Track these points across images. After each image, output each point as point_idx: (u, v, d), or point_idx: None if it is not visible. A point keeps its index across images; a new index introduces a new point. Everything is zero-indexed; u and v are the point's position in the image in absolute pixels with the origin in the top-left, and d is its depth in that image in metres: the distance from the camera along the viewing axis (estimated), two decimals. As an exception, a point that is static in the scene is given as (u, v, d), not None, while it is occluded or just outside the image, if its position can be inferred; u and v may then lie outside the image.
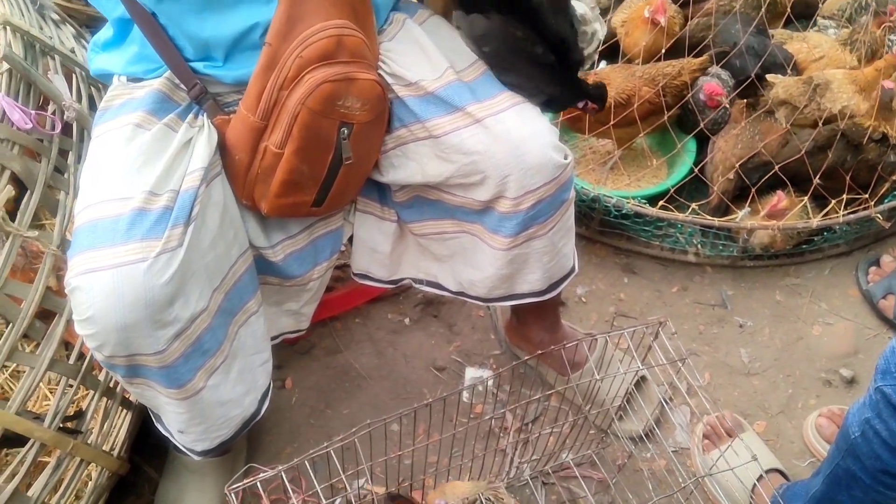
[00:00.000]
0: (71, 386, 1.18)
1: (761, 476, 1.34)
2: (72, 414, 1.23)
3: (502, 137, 1.09)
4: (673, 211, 1.76)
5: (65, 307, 1.15)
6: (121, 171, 1.00)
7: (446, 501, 1.13)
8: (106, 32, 1.16)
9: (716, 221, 1.75)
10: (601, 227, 1.88)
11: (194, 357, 1.05)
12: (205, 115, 1.08)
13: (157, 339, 0.98)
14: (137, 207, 0.97)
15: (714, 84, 1.84)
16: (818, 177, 1.74)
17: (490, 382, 1.56)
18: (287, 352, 1.64)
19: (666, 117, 1.84)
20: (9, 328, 1.07)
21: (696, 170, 1.83)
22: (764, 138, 1.79)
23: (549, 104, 1.15)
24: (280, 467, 0.95)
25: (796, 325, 1.75)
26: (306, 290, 1.30)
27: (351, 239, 1.34)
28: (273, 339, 1.32)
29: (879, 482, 1.03)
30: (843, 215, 1.75)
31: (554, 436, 1.36)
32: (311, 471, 0.97)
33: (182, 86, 1.08)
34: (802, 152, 1.72)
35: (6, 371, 1.37)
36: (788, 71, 1.90)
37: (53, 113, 1.21)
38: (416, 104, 1.13)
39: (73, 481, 1.19)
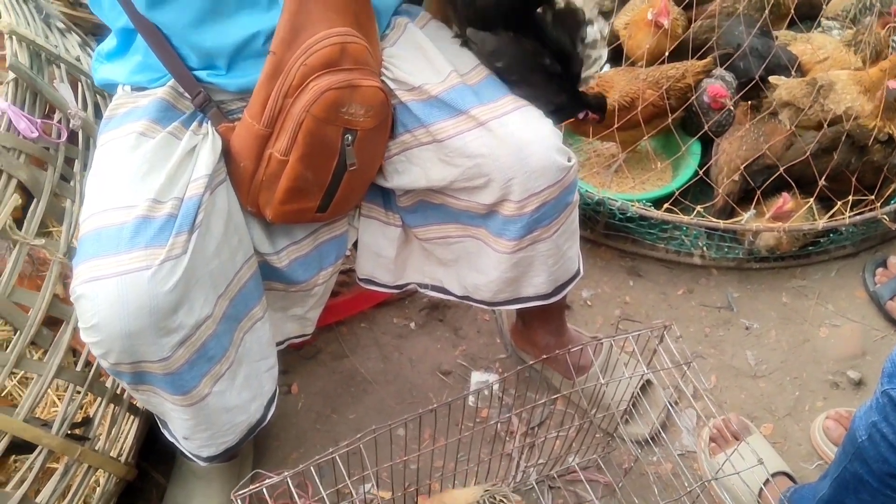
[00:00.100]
0: (79, 392, 1.19)
1: (768, 479, 1.33)
2: (79, 420, 1.24)
3: (506, 140, 1.10)
4: (678, 213, 1.76)
5: (71, 314, 1.16)
6: (125, 180, 1.01)
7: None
8: (109, 42, 1.17)
9: (721, 223, 1.74)
10: (606, 231, 1.88)
11: (199, 364, 1.05)
12: (209, 122, 1.09)
13: (161, 346, 0.98)
14: (141, 215, 0.97)
15: (718, 86, 1.84)
16: (823, 178, 1.74)
17: (496, 387, 1.56)
18: (293, 357, 1.65)
19: (670, 120, 1.84)
20: (16, 336, 1.08)
21: (700, 172, 1.83)
22: (768, 140, 1.79)
23: (556, 113, 1.16)
24: (286, 473, 0.95)
25: (803, 327, 1.74)
26: (311, 295, 1.31)
27: (356, 244, 1.34)
28: (278, 344, 1.32)
29: (887, 486, 1.02)
30: (850, 217, 1.74)
31: (560, 440, 1.36)
32: (316, 476, 0.97)
33: (186, 94, 1.09)
34: (808, 154, 1.72)
35: (14, 378, 1.37)
36: (793, 72, 1.89)
37: (59, 121, 1.22)
38: (419, 109, 1.14)
39: (81, 487, 1.20)
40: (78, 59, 1.38)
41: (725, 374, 1.64)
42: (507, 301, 1.31)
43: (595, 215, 1.84)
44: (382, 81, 1.11)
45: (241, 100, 1.11)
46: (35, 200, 1.13)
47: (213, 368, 1.08)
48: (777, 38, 1.99)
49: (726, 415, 1.50)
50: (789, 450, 1.52)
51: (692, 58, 1.91)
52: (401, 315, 1.75)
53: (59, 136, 1.20)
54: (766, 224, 1.74)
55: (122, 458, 1.29)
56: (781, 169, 1.74)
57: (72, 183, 1.23)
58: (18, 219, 1.10)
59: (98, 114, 1.33)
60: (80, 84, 1.34)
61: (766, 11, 1.90)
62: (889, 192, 1.82)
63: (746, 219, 1.75)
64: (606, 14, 2.12)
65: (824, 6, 2.10)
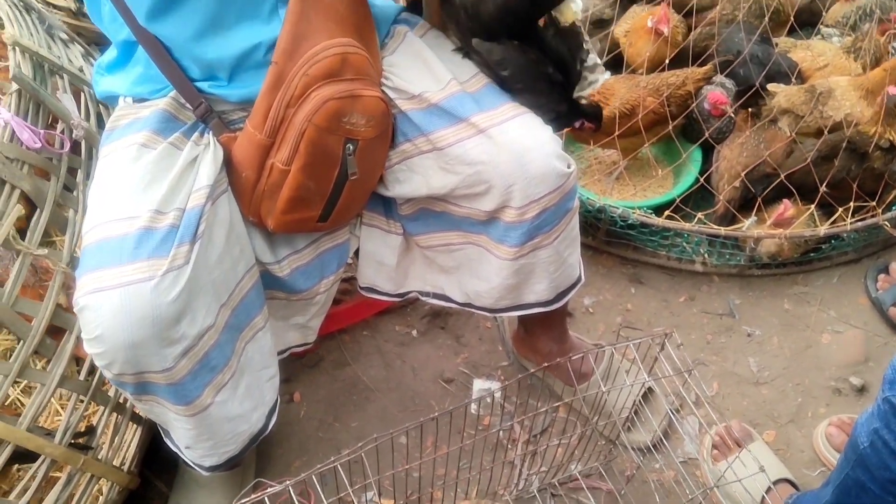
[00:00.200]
0: (82, 401, 1.19)
1: (770, 487, 1.33)
2: (83, 430, 1.24)
3: (506, 147, 1.10)
4: (679, 220, 1.76)
5: (74, 324, 1.16)
6: (127, 191, 1.01)
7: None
8: (110, 54, 1.18)
9: (722, 230, 1.74)
10: (608, 238, 1.88)
11: (202, 374, 1.06)
12: (210, 133, 1.10)
13: (164, 356, 0.99)
14: (144, 226, 0.98)
15: (718, 93, 1.84)
16: (824, 185, 1.74)
17: (498, 394, 1.56)
18: (295, 365, 1.65)
19: (671, 127, 1.84)
20: (20, 345, 1.08)
21: (701, 179, 1.83)
22: (769, 146, 1.79)
23: (555, 121, 1.17)
24: (288, 482, 0.95)
25: (805, 333, 1.74)
26: (313, 303, 1.31)
27: (357, 252, 1.35)
28: (280, 353, 1.32)
29: (889, 493, 1.02)
30: (851, 223, 1.75)
31: (562, 447, 1.36)
32: (319, 485, 0.97)
33: (187, 105, 1.10)
34: (808, 161, 1.72)
35: (17, 387, 1.38)
36: (793, 79, 1.90)
37: (62, 132, 1.22)
38: (419, 117, 1.14)
39: (84, 496, 1.20)
40: (81, 70, 1.38)
41: (727, 381, 1.64)
42: (508, 308, 1.31)
43: (596, 222, 1.85)
44: (383, 91, 1.11)
45: (243, 110, 1.12)
46: (38, 211, 1.14)
47: (215, 378, 1.09)
48: (777, 45, 2.00)
49: (728, 422, 1.50)
50: (792, 457, 1.52)
51: (692, 65, 1.91)
52: (403, 323, 1.76)
53: (61, 147, 1.21)
54: (768, 231, 1.74)
55: (125, 467, 1.30)
56: (783, 176, 1.74)
57: (75, 193, 1.24)
58: (22, 229, 1.11)
59: (101, 124, 1.34)
60: (82, 94, 1.35)
61: (766, 18, 1.91)
62: (890, 198, 1.82)
63: (748, 226, 1.76)
64: (607, 22, 2.13)
65: (824, 13, 2.10)
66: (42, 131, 1.16)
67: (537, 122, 1.15)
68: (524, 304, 1.30)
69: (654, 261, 1.87)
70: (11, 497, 1.09)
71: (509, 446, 1.48)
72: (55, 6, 1.81)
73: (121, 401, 1.29)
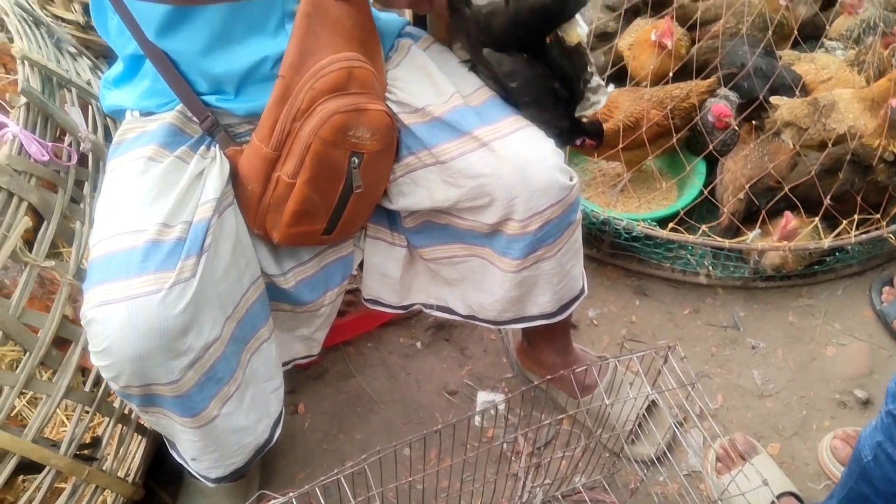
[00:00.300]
0: (87, 412, 1.20)
1: (774, 501, 1.33)
2: (88, 441, 1.24)
3: (509, 160, 1.11)
4: (683, 233, 1.77)
5: (80, 335, 1.17)
6: (134, 204, 1.02)
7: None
8: (117, 68, 1.19)
9: (726, 243, 1.75)
10: (612, 250, 1.88)
11: (208, 386, 1.06)
12: (217, 146, 1.11)
13: (171, 368, 0.99)
14: (151, 239, 0.98)
15: (722, 105, 1.85)
16: (828, 198, 1.74)
17: (502, 407, 1.56)
18: (300, 377, 1.66)
19: (675, 139, 1.85)
20: (26, 357, 1.09)
21: (705, 191, 1.84)
22: (773, 159, 1.80)
23: (558, 137, 1.17)
24: (291, 493, 0.95)
25: (810, 346, 1.74)
26: (318, 315, 1.32)
27: (362, 265, 1.35)
28: (284, 364, 1.33)
29: (894, 506, 1.02)
30: (855, 236, 1.75)
31: (566, 460, 1.36)
32: (322, 497, 0.98)
33: (194, 118, 1.11)
34: (812, 174, 1.72)
35: (24, 398, 1.38)
36: (797, 92, 1.90)
37: (70, 144, 1.23)
38: (422, 131, 1.15)
39: (89, 507, 1.20)
40: (89, 83, 1.40)
41: (732, 394, 1.64)
42: (512, 320, 1.31)
43: (601, 234, 1.85)
44: (387, 105, 1.12)
45: (249, 123, 1.13)
46: (45, 223, 1.15)
47: (221, 390, 1.09)
48: (781, 57, 2.00)
49: (733, 435, 1.50)
50: (797, 470, 1.51)
51: (696, 78, 1.92)
52: (407, 335, 1.76)
53: (69, 159, 1.22)
54: (772, 243, 1.74)
55: (130, 478, 1.30)
56: (787, 188, 1.74)
57: (81, 205, 1.24)
58: (29, 240, 1.12)
59: (108, 137, 1.35)
60: (90, 107, 1.36)
61: (770, 32, 1.91)
62: (895, 210, 1.82)
63: (752, 238, 1.76)
64: (611, 35, 2.14)
65: (828, 27, 2.11)
66: (50, 144, 1.16)
67: (540, 135, 1.15)
68: (527, 316, 1.30)
69: (658, 273, 1.87)
70: (16, 508, 1.09)
71: (513, 458, 1.48)
72: (64, 20, 1.83)
73: (126, 412, 1.29)
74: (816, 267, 1.85)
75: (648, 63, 1.98)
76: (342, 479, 0.96)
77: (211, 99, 1.10)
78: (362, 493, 1.01)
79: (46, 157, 1.14)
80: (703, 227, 1.77)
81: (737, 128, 1.86)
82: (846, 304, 1.83)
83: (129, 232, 1.00)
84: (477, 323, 1.35)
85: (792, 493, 1.40)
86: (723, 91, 1.90)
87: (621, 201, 1.99)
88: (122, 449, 1.29)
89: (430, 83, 1.17)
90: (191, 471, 1.22)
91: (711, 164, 1.93)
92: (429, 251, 1.29)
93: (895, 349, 1.72)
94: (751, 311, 1.82)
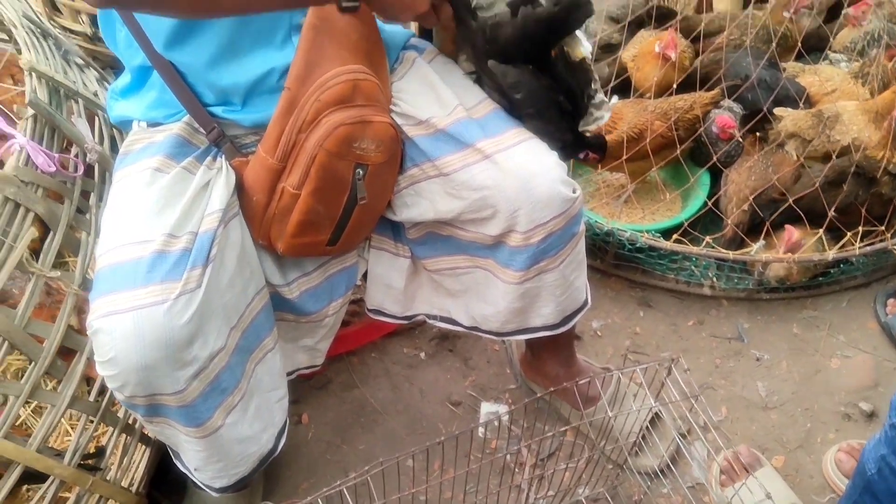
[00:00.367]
0: (91, 422, 1.20)
1: (779, 513, 1.32)
2: (92, 451, 1.24)
3: (512, 172, 1.11)
4: (687, 244, 1.77)
5: (86, 345, 1.18)
6: (141, 215, 1.03)
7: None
8: (124, 79, 1.20)
9: (730, 255, 1.74)
10: (616, 261, 1.88)
11: (213, 396, 1.06)
12: (223, 157, 1.11)
13: (176, 378, 0.99)
14: (157, 250, 0.99)
15: (727, 117, 1.85)
16: (833, 210, 1.74)
17: (505, 418, 1.56)
18: (304, 387, 1.66)
19: (679, 151, 1.85)
20: (31, 366, 1.09)
21: (709, 203, 1.84)
22: (777, 170, 1.80)
23: (562, 150, 1.18)
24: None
25: (814, 358, 1.74)
26: (322, 326, 1.32)
27: (366, 275, 1.36)
28: (288, 375, 1.33)
29: (898, 520, 1.02)
30: (860, 247, 1.74)
31: (569, 471, 1.36)
32: (324, 508, 0.98)
33: (201, 129, 1.12)
34: (816, 186, 1.72)
35: (28, 407, 1.39)
36: (801, 104, 1.90)
37: (76, 155, 1.24)
38: (426, 143, 1.16)
39: (93, 517, 1.20)
40: (95, 94, 1.41)
41: (736, 406, 1.64)
42: (515, 331, 1.31)
43: (605, 246, 1.85)
44: (392, 117, 1.13)
45: (255, 134, 1.14)
46: (51, 233, 1.16)
47: (226, 400, 1.09)
48: (785, 69, 2.01)
49: (737, 447, 1.49)
50: (801, 482, 1.50)
51: (700, 89, 1.93)
52: (411, 345, 1.76)
53: (75, 170, 1.23)
54: (776, 255, 1.74)
55: (133, 488, 1.30)
56: (791, 200, 1.74)
57: (87, 216, 1.25)
58: (35, 250, 1.12)
59: (114, 147, 1.36)
60: (97, 118, 1.37)
61: (774, 44, 1.92)
62: (899, 222, 1.82)
63: (756, 250, 1.76)
64: (615, 46, 2.14)
65: (832, 39, 2.11)
66: (57, 155, 1.17)
67: (543, 147, 1.16)
68: (531, 327, 1.30)
69: (662, 284, 1.87)
70: (20, 517, 1.09)
71: (516, 470, 1.48)
72: (72, 31, 1.84)
73: (130, 422, 1.29)
74: (821, 279, 1.84)
75: (652, 75, 1.98)
76: (345, 490, 0.96)
77: (218, 110, 1.11)
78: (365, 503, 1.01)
79: (53, 168, 1.15)
80: (707, 239, 1.77)
81: (741, 139, 1.87)
82: (851, 316, 1.83)
83: (135, 242, 1.00)
84: (480, 334, 1.35)
85: (796, 506, 1.40)
86: (726, 102, 1.91)
87: (625, 212, 1.99)
88: (125, 459, 1.29)
89: (434, 95, 1.18)
90: (195, 480, 1.22)
91: (715, 176, 1.93)
92: (432, 262, 1.29)
93: (900, 362, 1.72)
94: (755, 323, 1.81)
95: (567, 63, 1.17)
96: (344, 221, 1.14)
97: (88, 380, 1.30)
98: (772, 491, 1.14)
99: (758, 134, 1.91)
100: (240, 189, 1.11)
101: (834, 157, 1.76)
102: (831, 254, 1.72)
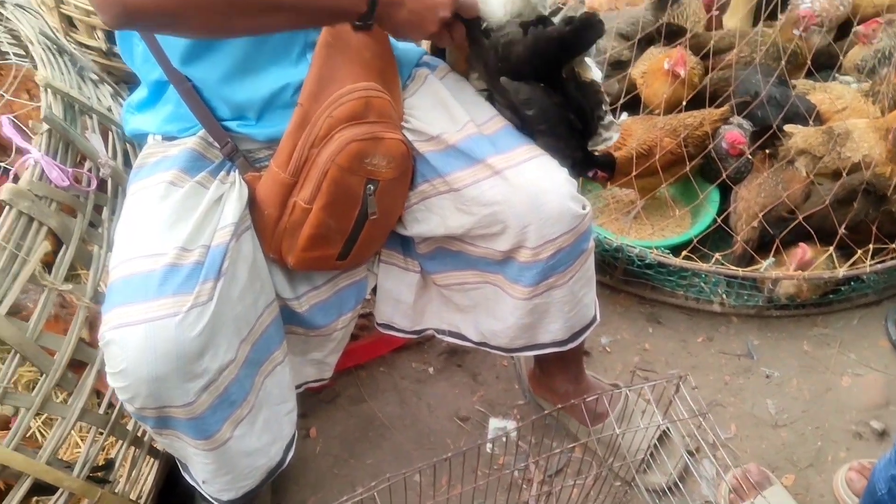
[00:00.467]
0: (101, 434, 1.20)
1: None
2: (101, 463, 1.25)
3: (522, 188, 1.12)
4: (697, 261, 1.76)
5: (96, 358, 1.18)
6: (154, 228, 1.04)
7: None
8: (140, 93, 1.22)
9: (740, 271, 1.74)
10: (625, 277, 1.88)
11: (221, 408, 1.07)
12: (236, 171, 1.12)
13: (186, 391, 1.00)
14: (169, 263, 1.00)
15: (736, 133, 1.85)
16: (843, 227, 1.74)
17: (513, 434, 1.56)
18: (312, 400, 1.66)
19: (688, 167, 1.85)
20: (42, 378, 1.10)
21: (719, 220, 1.84)
22: (787, 187, 1.80)
23: (571, 168, 1.19)
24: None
25: (825, 375, 1.73)
26: (331, 339, 1.32)
27: (375, 289, 1.36)
28: (297, 388, 1.33)
29: (909, 541, 1.01)
30: (870, 265, 1.74)
31: (577, 488, 1.35)
32: (332, 523, 0.98)
33: (215, 144, 1.13)
34: (826, 204, 1.72)
35: (38, 419, 1.39)
36: (811, 122, 1.90)
37: (90, 170, 1.25)
38: (437, 159, 1.16)
39: (101, 530, 1.21)
40: (109, 110, 1.42)
41: (745, 423, 1.63)
42: (523, 347, 1.31)
43: (614, 262, 1.85)
44: (403, 133, 1.14)
45: (268, 149, 1.15)
46: (64, 247, 1.17)
47: (234, 412, 1.10)
48: (795, 87, 2.01)
49: (746, 465, 1.49)
50: (811, 502, 1.49)
51: (709, 106, 1.93)
52: (419, 360, 1.76)
53: (89, 185, 1.24)
54: (786, 272, 1.73)
55: (142, 501, 1.30)
56: (800, 217, 1.74)
57: (100, 229, 1.26)
58: (48, 263, 1.14)
59: (127, 162, 1.37)
60: (110, 133, 1.38)
61: (783, 61, 1.92)
62: (911, 240, 1.81)
63: (765, 267, 1.75)
64: (624, 63, 2.15)
65: (842, 56, 2.11)
66: (70, 170, 1.18)
67: (553, 164, 1.16)
68: (539, 343, 1.30)
69: (672, 300, 1.87)
70: (29, 529, 1.10)
71: (524, 486, 1.47)
72: (87, 46, 1.87)
73: (139, 434, 1.30)
74: (832, 296, 1.84)
75: (661, 91, 1.99)
76: (351, 505, 0.97)
77: (232, 124, 1.12)
78: (373, 519, 1.01)
79: (66, 183, 1.16)
80: (717, 256, 1.77)
81: (750, 156, 1.87)
82: (862, 334, 1.82)
83: (148, 255, 1.01)
84: (489, 350, 1.35)
85: (807, 526, 1.38)
86: (736, 119, 1.91)
87: (634, 228, 1.99)
88: (134, 471, 1.29)
89: (445, 111, 1.19)
90: (202, 493, 1.22)
91: (725, 192, 1.93)
92: (441, 277, 1.29)
93: (912, 380, 1.71)
94: (765, 340, 1.81)
95: (578, 83, 1.18)
96: (354, 236, 1.14)
97: (98, 392, 1.31)
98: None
99: (767, 151, 1.91)
100: (252, 203, 1.12)
101: (844, 174, 1.76)
102: (842, 271, 1.72)
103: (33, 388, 1.11)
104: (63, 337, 1.13)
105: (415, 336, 1.42)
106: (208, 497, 1.22)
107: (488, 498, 1.29)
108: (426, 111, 1.19)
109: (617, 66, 2.17)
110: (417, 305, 1.36)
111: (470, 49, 1.18)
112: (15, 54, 1.54)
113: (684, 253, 1.78)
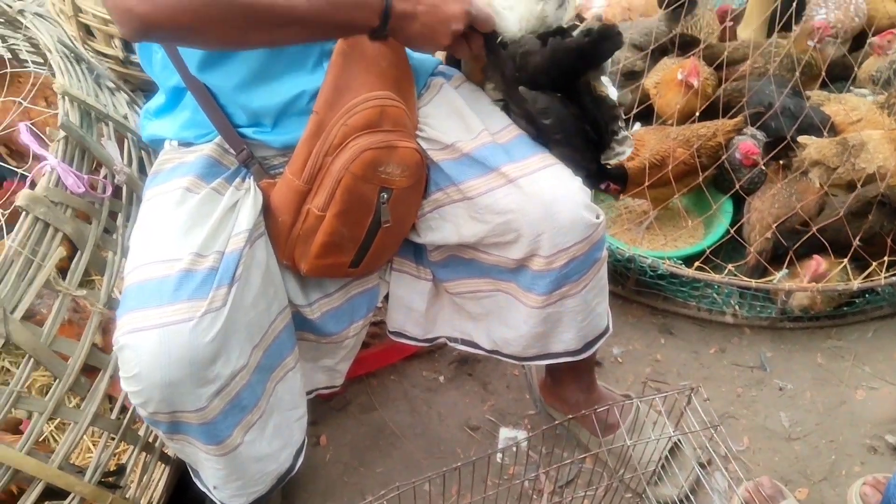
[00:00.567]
0: (113, 439, 1.21)
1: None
2: (112, 468, 1.25)
3: (535, 197, 1.12)
4: (709, 272, 1.76)
5: (109, 363, 1.19)
6: (170, 234, 1.05)
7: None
8: (157, 100, 1.23)
9: (753, 283, 1.73)
10: (637, 287, 1.88)
11: (232, 413, 1.07)
12: (251, 178, 1.13)
13: (198, 396, 1.00)
14: (184, 269, 1.01)
15: (750, 143, 1.85)
16: (857, 239, 1.73)
17: (524, 444, 1.55)
18: (323, 408, 1.66)
19: (701, 178, 1.85)
20: (55, 383, 1.11)
21: (732, 231, 1.83)
22: (801, 198, 1.79)
23: (586, 179, 1.19)
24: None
25: (839, 388, 1.71)
26: (342, 347, 1.33)
27: (387, 297, 1.36)
28: (307, 393, 1.33)
29: (925, 557, 0.99)
30: (886, 277, 1.72)
31: (588, 499, 1.35)
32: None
33: (231, 150, 1.14)
34: (840, 215, 1.71)
35: (51, 424, 1.40)
36: (825, 133, 1.90)
37: (105, 177, 1.27)
38: (451, 167, 1.17)
39: (111, 535, 1.21)
40: (125, 117, 1.43)
41: (758, 436, 1.61)
42: (536, 356, 1.31)
43: (626, 272, 1.84)
44: (417, 142, 1.14)
45: (283, 156, 1.16)
46: (79, 252, 1.18)
47: (245, 418, 1.10)
48: (810, 98, 2.00)
49: (759, 478, 1.47)
50: (825, 516, 1.48)
51: (722, 117, 1.92)
52: (430, 368, 1.76)
53: (104, 191, 1.25)
54: (800, 284, 1.72)
55: (152, 507, 1.31)
56: (814, 229, 1.73)
57: (114, 236, 1.27)
58: (63, 269, 1.15)
59: (142, 169, 1.39)
60: (126, 141, 1.39)
61: (798, 72, 1.91)
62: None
63: (779, 278, 1.74)
64: (638, 73, 2.15)
65: (857, 68, 2.11)
66: (86, 177, 1.20)
67: (567, 173, 1.16)
68: (552, 353, 1.30)
69: (684, 311, 1.86)
70: (40, 533, 1.10)
71: (534, 497, 1.46)
72: (104, 55, 1.89)
73: (150, 440, 1.30)
74: (846, 308, 1.82)
75: (675, 102, 1.99)
76: (361, 513, 0.96)
77: (248, 131, 1.13)
78: (382, 528, 1.01)
79: (82, 189, 1.18)
80: (730, 267, 1.76)
81: (764, 167, 1.86)
82: (876, 347, 1.80)
83: (163, 261, 1.02)
84: (501, 358, 1.35)
85: (820, 540, 1.37)
86: (750, 130, 1.90)
87: (647, 239, 1.98)
88: (145, 477, 1.30)
89: (459, 120, 1.19)
90: (213, 499, 1.22)
91: (738, 203, 1.92)
92: (454, 285, 1.29)
93: (927, 394, 1.69)
94: (778, 352, 1.79)
95: (593, 97, 1.18)
96: (367, 244, 1.15)
97: (110, 398, 1.32)
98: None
99: (781, 162, 1.90)
100: (266, 210, 1.13)
101: (859, 185, 1.75)
102: (856, 283, 1.71)
103: (46, 392, 1.12)
104: (76, 342, 1.14)
105: (427, 344, 1.43)
106: (219, 503, 1.22)
107: (498, 508, 1.29)
108: (441, 120, 1.20)
109: (630, 77, 2.17)
110: (429, 313, 1.36)
111: (487, 58, 1.18)
112: (33, 62, 1.56)
113: (697, 264, 1.77)
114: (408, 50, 1.16)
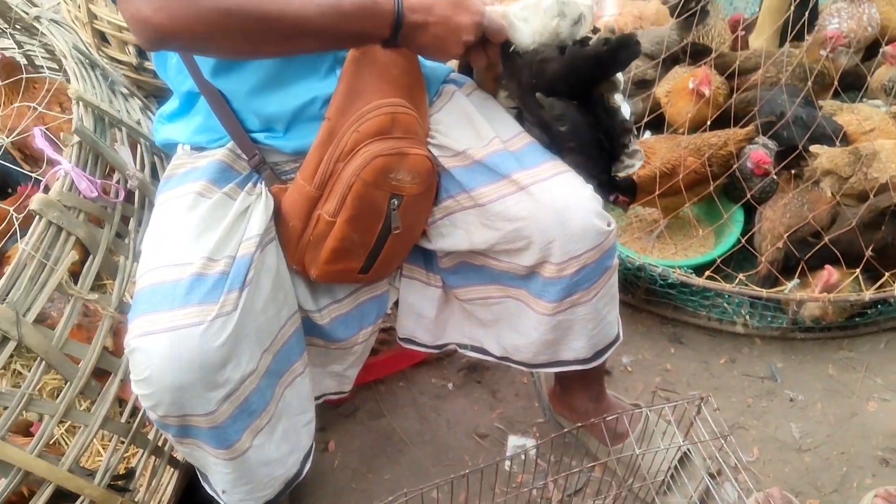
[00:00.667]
0: (122, 442, 1.22)
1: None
2: (122, 472, 1.26)
3: (547, 204, 1.12)
4: (720, 281, 1.75)
5: (119, 367, 1.20)
6: (182, 239, 1.05)
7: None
8: (171, 104, 1.24)
9: (764, 293, 1.72)
10: (647, 296, 1.87)
11: (241, 417, 1.07)
12: (263, 183, 1.14)
13: (208, 400, 1.01)
14: (196, 273, 1.01)
15: (762, 152, 1.84)
16: (870, 250, 1.72)
17: (532, 452, 1.55)
18: (331, 414, 1.66)
19: (712, 187, 1.84)
20: (66, 386, 1.11)
21: (743, 240, 1.82)
22: (813, 208, 1.78)
23: (596, 188, 1.19)
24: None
25: (850, 400, 1.70)
26: (351, 353, 1.33)
27: (397, 303, 1.36)
28: (315, 399, 1.33)
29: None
30: (898, 288, 1.71)
31: (597, 509, 1.34)
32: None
33: (243, 155, 1.14)
34: (852, 225, 1.70)
35: (62, 427, 1.41)
36: (837, 142, 1.89)
37: (118, 181, 1.28)
38: (462, 175, 1.17)
39: (120, 538, 1.21)
40: (138, 123, 1.45)
41: (768, 447, 1.60)
42: (546, 364, 1.31)
43: (636, 280, 1.84)
44: (429, 149, 1.15)
45: (295, 161, 1.16)
46: (91, 257, 1.18)
47: (254, 422, 1.10)
48: (822, 107, 1.99)
49: (769, 489, 1.46)
50: (836, 528, 1.47)
51: (734, 126, 1.92)
52: (439, 375, 1.76)
53: (116, 196, 1.26)
54: (811, 294, 1.71)
55: (161, 511, 1.31)
56: (826, 239, 1.72)
57: (126, 240, 1.28)
58: (75, 272, 1.15)
59: (155, 175, 1.40)
60: (139, 146, 1.41)
61: (810, 81, 1.91)
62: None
63: (790, 288, 1.73)
64: (649, 82, 2.15)
65: (869, 77, 2.10)
66: (99, 181, 1.21)
67: (578, 180, 1.16)
68: (562, 360, 1.30)
69: (694, 321, 1.85)
70: (50, 536, 1.11)
71: (543, 505, 1.46)
72: (118, 61, 1.91)
73: (159, 444, 1.31)
74: (858, 319, 1.81)
75: (686, 110, 1.98)
76: (369, 520, 0.96)
77: (260, 136, 1.14)
78: (390, 534, 1.01)
79: (95, 194, 1.19)
80: (741, 276, 1.75)
81: (775, 176, 1.85)
82: (889, 358, 1.79)
83: (175, 265, 1.02)
84: (511, 365, 1.35)
85: (831, 553, 1.36)
86: (761, 139, 1.90)
87: (657, 248, 1.98)
88: (154, 481, 1.30)
89: (471, 127, 1.19)
90: (222, 503, 1.22)
91: (749, 213, 1.92)
92: (464, 292, 1.30)
93: (940, 406, 1.68)
94: (789, 363, 1.78)
95: (606, 108, 1.18)
96: (377, 250, 1.15)
97: (121, 401, 1.32)
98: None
99: (793, 171, 1.89)
100: (277, 215, 1.13)
101: (871, 195, 1.74)
102: (868, 294, 1.70)
103: (57, 395, 1.12)
104: (86, 346, 1.14)
105: (436, 350, 1.42)
106: (227, 507, 1.23)
107: (506, 516, 1.28)
108: (452, 127, 1.20)
109: (641, 85, 2.17)
110: (439, 320, 1.36)
111: (503, 65, 1.18)
112: (49, 68, 1.58)
113: (707, 273, 1.76)
114: (420, 57, 1.16)
